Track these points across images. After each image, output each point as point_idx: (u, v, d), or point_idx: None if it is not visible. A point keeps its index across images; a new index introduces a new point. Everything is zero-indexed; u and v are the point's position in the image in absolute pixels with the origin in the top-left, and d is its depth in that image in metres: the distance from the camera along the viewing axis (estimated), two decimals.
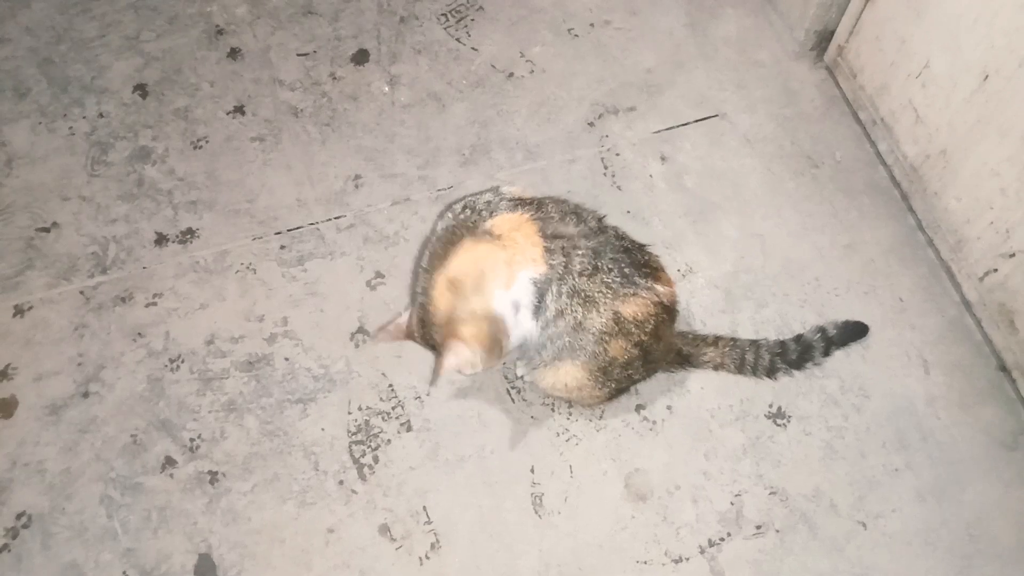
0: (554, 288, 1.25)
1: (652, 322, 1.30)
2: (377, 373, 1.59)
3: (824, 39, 1.93)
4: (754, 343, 1.52)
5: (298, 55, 2.00)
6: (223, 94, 1.95)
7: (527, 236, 1.24)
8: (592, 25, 2.07)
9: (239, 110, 1.92)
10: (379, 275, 1.69)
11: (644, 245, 1.37)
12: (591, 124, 1.90)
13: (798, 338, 1.53)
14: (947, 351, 1.60)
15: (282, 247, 1.73)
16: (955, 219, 1.60)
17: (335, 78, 1.97)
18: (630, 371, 1.36)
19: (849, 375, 1.57)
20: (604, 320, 1.26)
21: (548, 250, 1.24)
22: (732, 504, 1.45)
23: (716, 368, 1.53)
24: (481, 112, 1.92)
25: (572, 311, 1.26)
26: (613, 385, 1.38)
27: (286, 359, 1.61)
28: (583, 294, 1.25)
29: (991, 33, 1.39)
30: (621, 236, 1.34)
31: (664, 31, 2.06)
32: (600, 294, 1.25)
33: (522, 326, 1.31)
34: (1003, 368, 1.56)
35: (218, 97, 1.94)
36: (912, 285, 1.67)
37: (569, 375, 1.34)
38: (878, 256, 1.70)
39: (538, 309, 1.27)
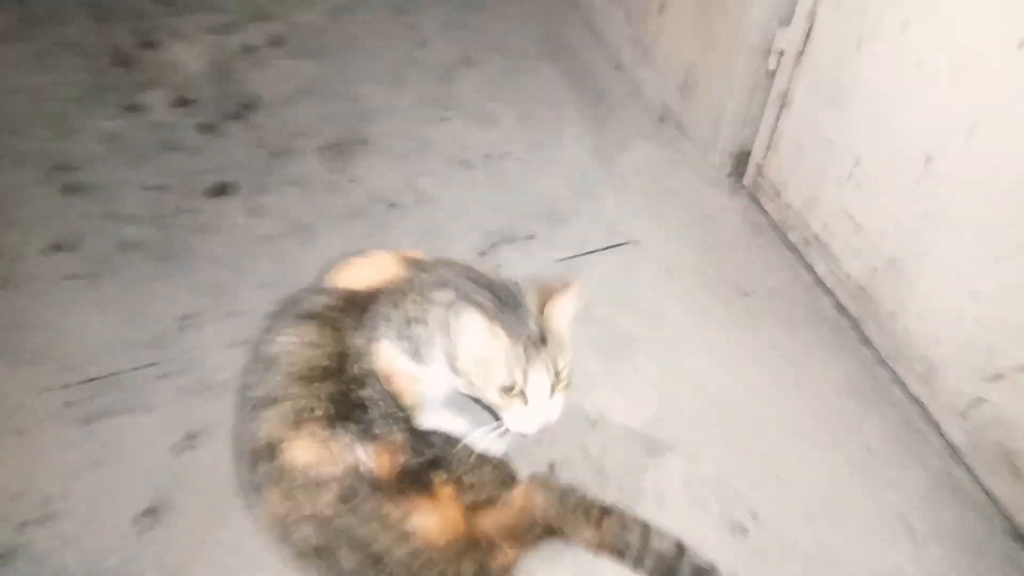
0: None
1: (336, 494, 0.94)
2: (168, 570, 1.13)
3: (742, 161, 1.74)
4: (644, 537, 1.03)
5: (143, 188, 1.72)
6: (41, 231, 1.62)
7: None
8: (488, 156, 1.87)
9: (56, 247, 1.59)
10: (190, 436, 1.27)
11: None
12: (483, 253, 1.62)
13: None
14: (938, 513, 1.22)
15: (67, 404, 1.32)
16: (919, 341, 1.29)
17: (183, 210, 1.68)
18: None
19: (815, 550, 1.16)
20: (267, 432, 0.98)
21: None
22: None
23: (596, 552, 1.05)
24: (356, 242, 1.63)
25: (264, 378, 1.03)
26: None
27: (37, 556, 1.14)
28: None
29: (926, 109, 1.17)
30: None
31: (568, 162, 1.86)
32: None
33: None
34: (1018, 535, 1.17)
35: (34, 233, 1.62)
36: (880, 431, 1.32)
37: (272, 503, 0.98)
38: (832, 398, 1.37)
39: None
